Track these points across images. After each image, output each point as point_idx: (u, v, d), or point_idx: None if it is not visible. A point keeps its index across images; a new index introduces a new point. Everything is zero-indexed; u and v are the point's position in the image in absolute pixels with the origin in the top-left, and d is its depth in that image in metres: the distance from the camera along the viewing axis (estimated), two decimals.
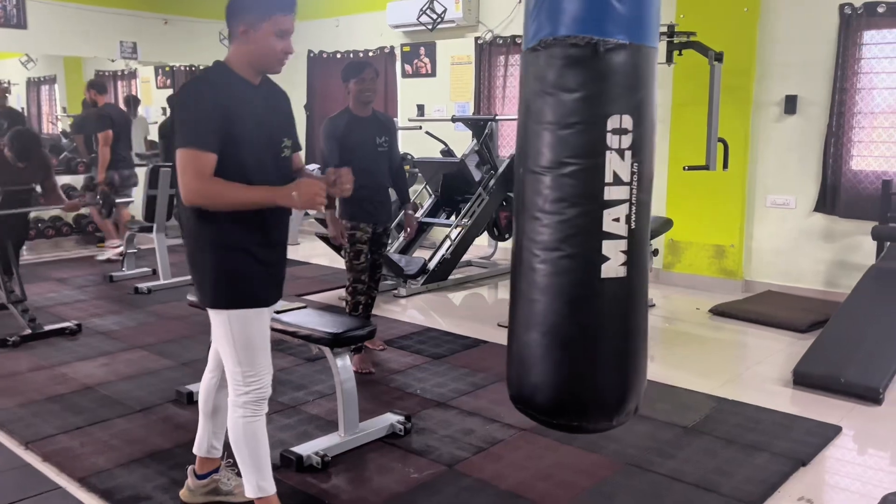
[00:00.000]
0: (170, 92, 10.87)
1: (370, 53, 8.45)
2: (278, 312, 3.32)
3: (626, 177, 1.93)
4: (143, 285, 6.02)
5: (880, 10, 5.18)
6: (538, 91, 1.98)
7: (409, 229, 4.37)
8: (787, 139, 5.74)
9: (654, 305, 5.46)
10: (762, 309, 5.24)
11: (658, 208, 5.95)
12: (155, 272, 6.54)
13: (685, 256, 6.17)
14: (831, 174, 5.54)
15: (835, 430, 3.30)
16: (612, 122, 1.91)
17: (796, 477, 2.90)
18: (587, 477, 2.86)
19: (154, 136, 10.37)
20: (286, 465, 2.94)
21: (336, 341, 3.00)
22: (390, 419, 3.28)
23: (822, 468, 3.01)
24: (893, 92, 5.26)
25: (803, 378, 3.84)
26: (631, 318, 2.04)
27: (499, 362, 4.18)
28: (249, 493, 2.43)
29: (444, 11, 6.33)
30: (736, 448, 3.10)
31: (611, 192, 1.92)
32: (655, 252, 6.01)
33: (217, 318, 2.33)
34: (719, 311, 5.29)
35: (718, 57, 4.55)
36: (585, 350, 2.02)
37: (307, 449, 2.98)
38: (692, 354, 4.53)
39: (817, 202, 5.64)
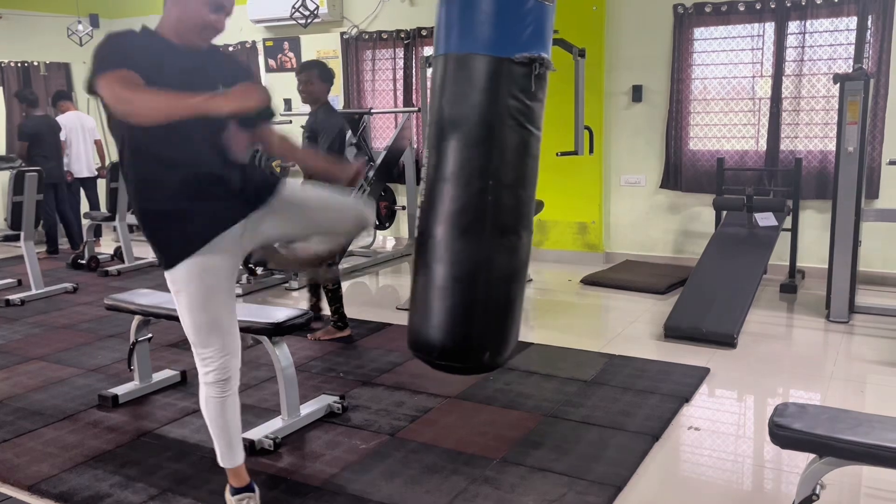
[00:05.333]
0: None
1: (230, 48, 8.37)
2: None
3: None
4: (14, 297, 5.73)
5: (707, 9, 5.96)
6: None
7: None
8: (635, 124, 6.43)
9: (531, 280, 5.97)
10: (625, 276, 5.89)
11: None
12: (20, 283, 6.23)
13: (552, 234, 6.75)
14: (673, 154, 6.30)
15: (704, 371, 3.91)
16: None
17: (683, 411, 3.46)
18: (515, 430, 3.24)
19: None
20: None
21: (276, 331, 3.18)
22: (326, 400, 3.50)
23: (701, 401, 3.59)
24: (722, 81, 6.07)
25: (672, 331, 4.46)
26: None
27: (406, 342, 4.50)
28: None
29: (317, 8, 6.47)
30: (632, 394, 3.61)
31: None
32: None
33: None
34: (589, 281, 5.90)
35: (581, 53, 5.06)
36: None
37: (257, 434, 3.14)
38: (576, 320, 5.07)
39: (662, 179, 6.40)
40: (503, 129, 2.19)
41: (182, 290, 2.36)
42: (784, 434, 2.12)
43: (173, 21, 2.30)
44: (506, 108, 2.17)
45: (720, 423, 3.40)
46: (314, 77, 4.39)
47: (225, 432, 2.54)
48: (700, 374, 3.86)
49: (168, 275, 2.38)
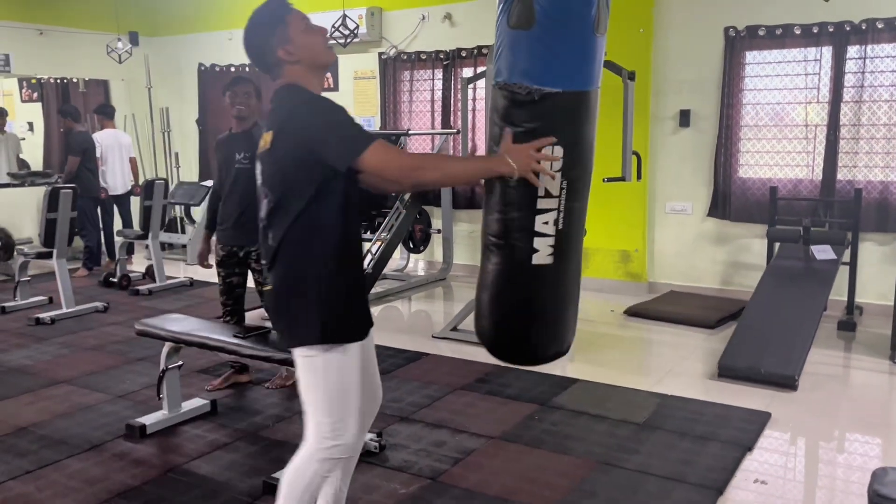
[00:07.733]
0: (37, 106, 10.19)
1: None
2: (244, 336, 3.28)
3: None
4: (44, 315, 5.63)
5: (761, 32, 5.73)
6: (495, 121, 2.20)
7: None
8: (682, 150, 6.21)
9: None
10: (671, 308, 5.64)
11: None
12: (52, 300, 6.15)
13: (593, 262, 6.51)
14: (722, 182, 6.05)
15: (766, 416, 3.64)
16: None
17: (747, 461, 3.20)
18: (567, 477, 3.02)
19: (25, 154, 9.67)
20: (270, 491, 2.90)
21: None
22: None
23: (765, 450, 3.32)
24: (775, 107, 5.83)
25: (728, 371, 4.20)
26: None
27: (445, 373, 4.31)
28: None
29: (357, 28, 6.37)
30: (689, 440, 3.37)
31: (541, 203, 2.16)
32: None
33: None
34: (633, 312, 5.65)
35: (631, 76, 4.87)
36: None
37: None
38: (621, 354, 4.83)
39: (710, 208, 6.15)
40: None
41: (345, 364, 2.09)
42: None
43: (306, 72, 2.13)
44: None
45: (788, 473, 3.14)
46: (253, 91, 3.92)
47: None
48: (761, 420, 3.60)
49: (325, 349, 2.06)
